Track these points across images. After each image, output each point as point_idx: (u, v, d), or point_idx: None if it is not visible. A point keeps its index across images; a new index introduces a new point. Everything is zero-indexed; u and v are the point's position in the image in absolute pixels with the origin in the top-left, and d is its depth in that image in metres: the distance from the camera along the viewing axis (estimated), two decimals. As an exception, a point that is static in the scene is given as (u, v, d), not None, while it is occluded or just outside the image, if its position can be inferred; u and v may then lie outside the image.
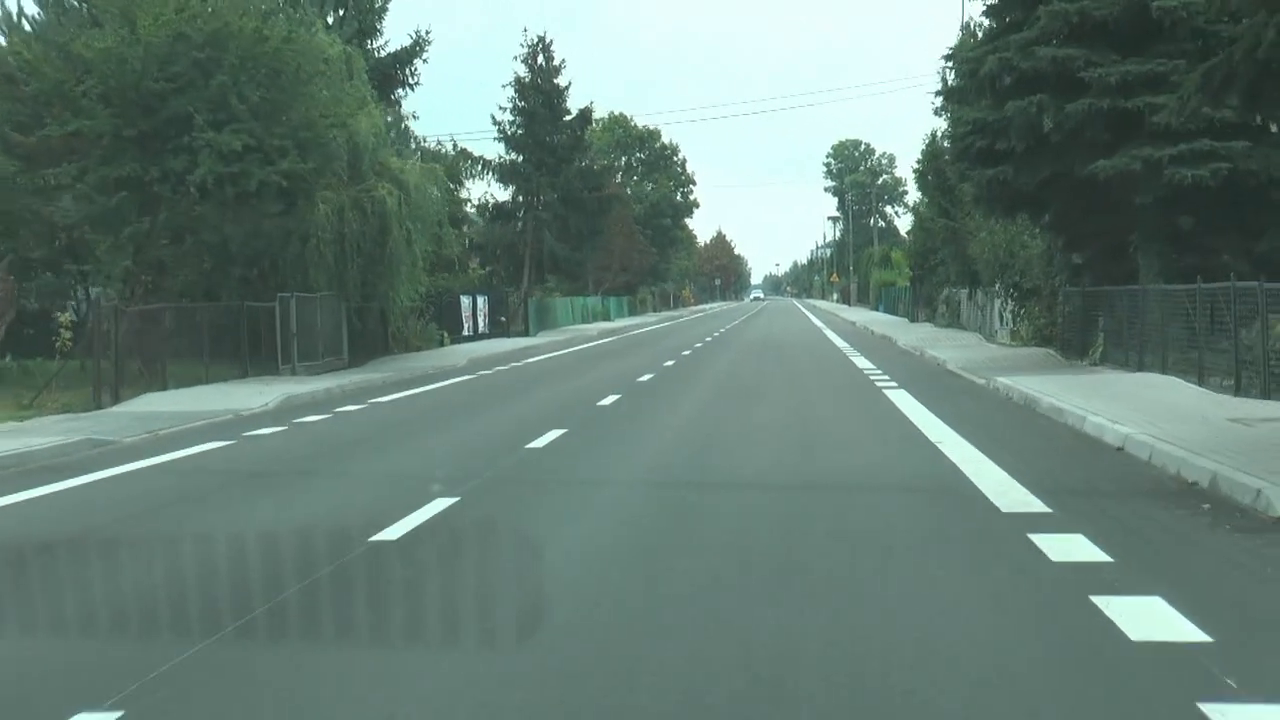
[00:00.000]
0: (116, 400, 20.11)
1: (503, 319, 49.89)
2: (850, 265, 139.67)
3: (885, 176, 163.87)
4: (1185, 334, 18.54)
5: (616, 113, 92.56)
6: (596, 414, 17.36)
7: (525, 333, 53.77)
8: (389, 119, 51.30)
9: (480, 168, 57.00)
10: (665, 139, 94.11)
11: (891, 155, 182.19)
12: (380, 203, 30.52)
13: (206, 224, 25.11)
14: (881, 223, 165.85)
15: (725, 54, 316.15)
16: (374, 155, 31.27)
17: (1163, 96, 18.55)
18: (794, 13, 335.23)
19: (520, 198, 58.07)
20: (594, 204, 57.70)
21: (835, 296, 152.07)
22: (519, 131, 57.46)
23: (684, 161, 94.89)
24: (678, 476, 11.66)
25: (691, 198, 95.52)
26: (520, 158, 57.68)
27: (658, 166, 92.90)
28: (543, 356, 35.70)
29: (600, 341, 46.67)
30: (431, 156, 56.88)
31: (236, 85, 23.78)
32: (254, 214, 25.14)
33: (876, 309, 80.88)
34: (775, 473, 11.59)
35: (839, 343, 38.95)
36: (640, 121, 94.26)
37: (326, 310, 30.50)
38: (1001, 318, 33.43)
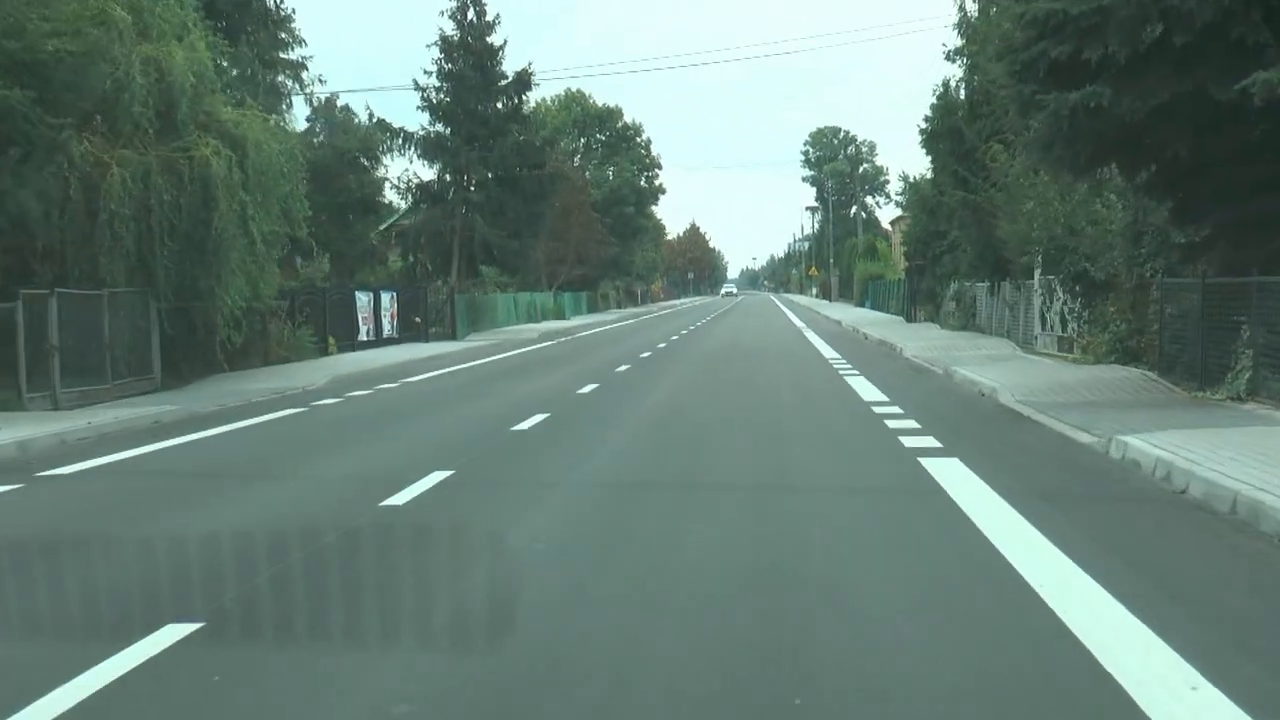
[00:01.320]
0: None
1: (417, 319, 41.31)
2: (830, 258, 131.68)
3: (866, 165, 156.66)
4: None
5: (574, 89, 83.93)
6: (387, 516, 8.88)
7: (452, 336, 45.29)
8: (280, 78, 42.99)
9: (401, 141, 48.34)
10: (628, 119, 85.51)
11: (872, 143, 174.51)
12: (203, 166, 21.99)
13: None
14: (863, 214, 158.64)
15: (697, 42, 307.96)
16: (196, 102, 22.69)
17: None
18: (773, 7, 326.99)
19: (447, 177, 49.44)
20: (533, 184, 49.11)
21: (814, 291, 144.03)
22: (445, 99, 48.81)
23: (648, 143, 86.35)
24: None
25: (657, 183, 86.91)
26: (447, 130, 49.04)
27: (619, 149, 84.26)
28: (439, 371, 27.19)
29: (532, 348, 38.18)
30: (341, 128, 48.32)
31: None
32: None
33: (862, 305, 72.57)
34: None
35: (825, 351, 30.61)
36: (601, 99, 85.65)
37: (124, 313, 21.88)
38: (1046, 319, 25.11)
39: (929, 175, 40.88)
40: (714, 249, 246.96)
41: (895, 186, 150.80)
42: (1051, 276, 23.06)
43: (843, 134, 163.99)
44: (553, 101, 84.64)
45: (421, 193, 49.56)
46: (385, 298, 38.88)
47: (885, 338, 33.22)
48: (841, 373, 22.59)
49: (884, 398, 16.99)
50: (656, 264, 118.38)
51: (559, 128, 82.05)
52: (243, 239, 23.13)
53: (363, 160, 47.07)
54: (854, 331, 41.23)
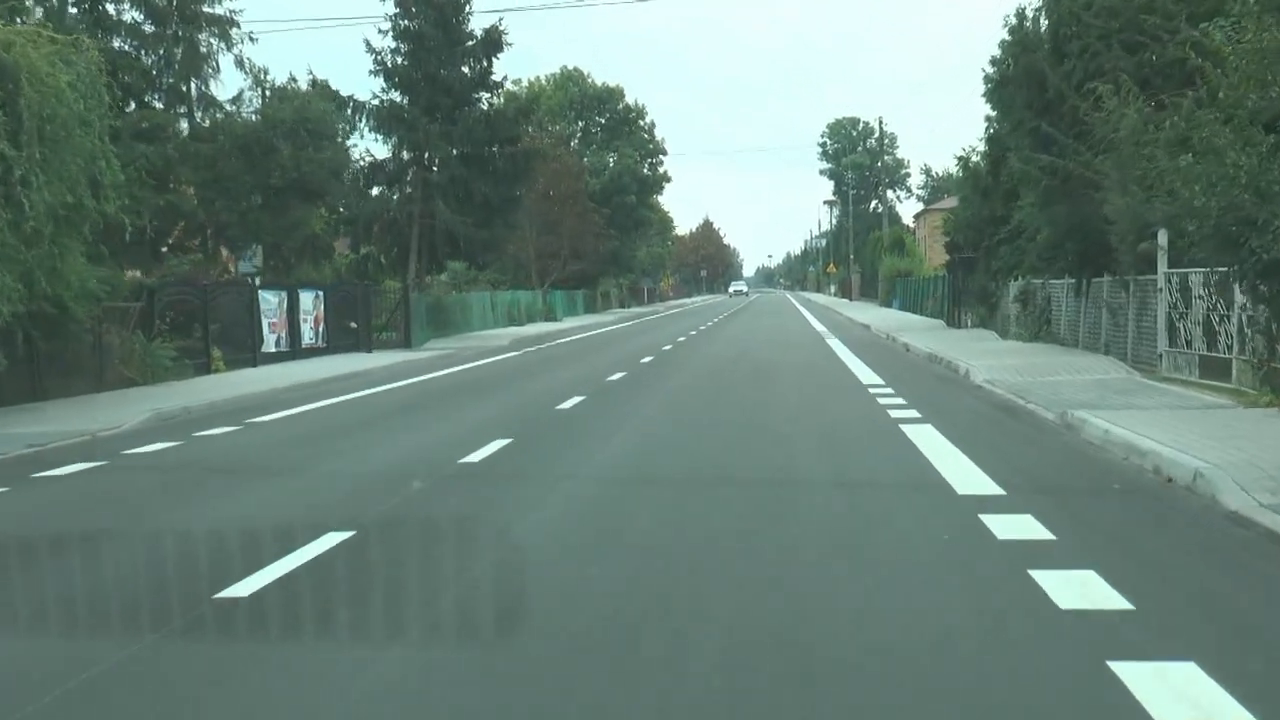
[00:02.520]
0: None
1: (352, 324, 33.79)
2: (850, 253, 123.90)
3: (887, 157, 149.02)
4: None
5: (570, 67, 76.22)
6: None
7: (405, 343, 37.83)
8: (203, 35, 35.57)
9: (350, 111, 40.76)
10: (630, 99, 77.73)
11: (893, 135, 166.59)
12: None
13: None
14: (883, 208, 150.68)
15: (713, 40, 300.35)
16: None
17: None
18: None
19: (405, 154, 41.86)
20: (506, 163, 41.49)
21: (833, 290, 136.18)
22: (402, 62, 41.21)
23: (652, 126, 78.49)
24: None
25: (661, 170, 79.07)
26: (404, 99, 41.47)
27: (619, 132, 76.53)
28: (333, 400, 19.62)
29: (490, 361, 30.66)
30: (278, 95, 40.68)
31: None
32: None
33: (888, 305, 64.80)
34: None
35: (859, 369, 22.99)
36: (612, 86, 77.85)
37: None
38: (1181, 330, 17.45)
39: (981, 147, 33.19)
40: (729, 246, 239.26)
41: (917, 180, 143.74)
42: (1220, 269, 15.29)
43: (862, 125, 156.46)
44: (548, 81, 77.08)
45: (374, 173, 41.95)
46: (306, 298, 31.36)
47: (936, 350, 25.53)
48: (894, 414, 15.08)
49: (994, 487, 9.33)
50: (664, 259, 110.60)
51: (552, 110, 74.46)
52: (4, 210, 15.70)
53: (303, 133, 39.58)
54: (888, 340, 33.51)
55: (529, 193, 46.26)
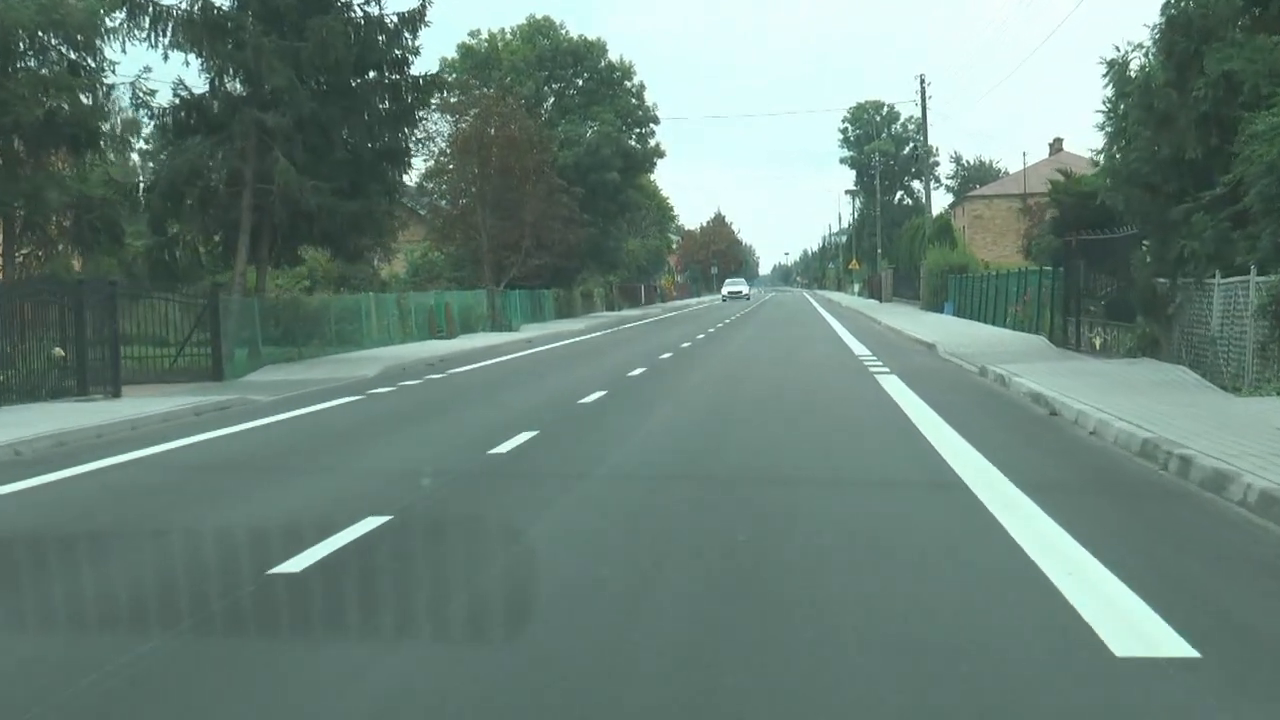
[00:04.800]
0: None
1: (58, 352, 19.68)
2: (878, 247, 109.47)
3: (913, 143, 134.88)
4: None
5: (539, 16, 61.82)
6: None
7: (216, 373, 24.10)
8: None
9: (149, 21, 26.68)
10: (614, 56, 63.12)
11: (919, 120, 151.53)
12: None
13: None
14: (908, 200, 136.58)
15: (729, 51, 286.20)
16: None
17: None
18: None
19: (227, 85, 27.79)
20: (387, 97, 27.37)
21: (856, 288, 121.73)
22: (227, -56, 27.12)
23: (640, 89, 63.84)
24: None
25: (653, 143, 64.52)
26: (229, 2, 27.44)
27: (601, 95, 62.12)
28: None
29: (285, 417, 16.60)
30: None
31: None
32: None
33: (938, 309, 50.42)
34: None
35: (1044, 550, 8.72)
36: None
37: None
38: None
39: (1151, 40, 19.09)
40: (744, 243, 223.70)
41: (946, 170, 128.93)
42: None
43: (886, 110, 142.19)
44: (512, 33, 62.80)
45: (186, 115, 27.84)
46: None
47: (1164, 436, 11.09)
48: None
49: None
50: (661, 253, 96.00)
51: (518, 67, 60.23)
52: None
53: (62, 49, 25.64)
54: (996, 383, 19.16)
55: (427, 146, 32.12)
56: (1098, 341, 23.99)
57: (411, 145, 28.95)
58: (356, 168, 27.56)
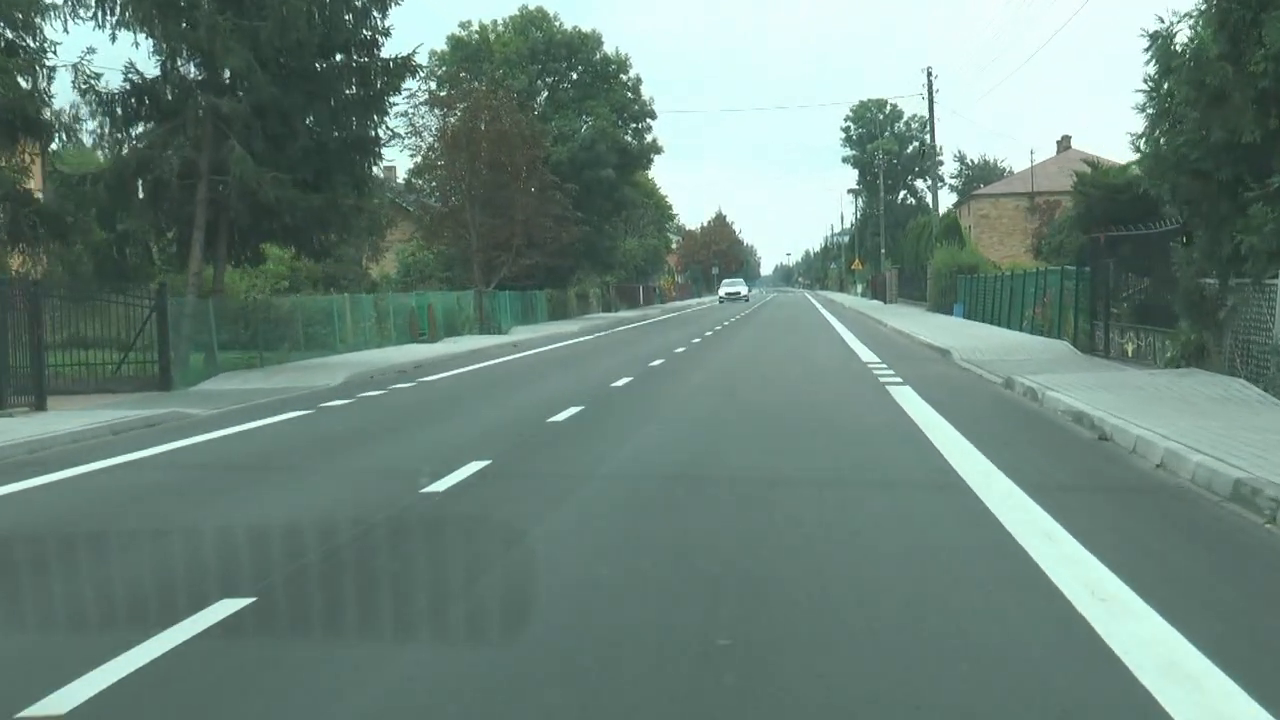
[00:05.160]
0: None
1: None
2: (883, 247, 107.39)
3: (916, 143, 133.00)
4: None
5: (532, 7, 59.54)
6: None
7: (164, 383, 22.06)
8: None
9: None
10: (609, 49, 60.82)
11: (923, 118, 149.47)
12: None
13: None
14: (911, 200, 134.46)
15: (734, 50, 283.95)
16: None
17: None
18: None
19: (180, 69, 25.59)
20: (354, 81, 25.20)
21: (859, 289, 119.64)
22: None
23: (636, 82, 61.56)
24: None
25: (649, 139, 62.16)
26: (182, -25, 25.24)
27: (596, 89, 59.83)
28: None
29: (217, 436, 14.36)
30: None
31: None
32: None
33: (946, 311, 48.23)
34: None
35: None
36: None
37: None
38: None
39: (1198, 20, 16.90)
40: (746, 243, 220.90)
41: (951, 169, 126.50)
42: None
43: (889, 108, 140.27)
44: (504, 25, 60.58)
45: (137, 101, 25.65)
46: None
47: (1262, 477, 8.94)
48: None
49: None
50: (660, 253, 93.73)
51: (510, 60, 58.05)
52: None
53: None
54: (1026, 397, 16.92)
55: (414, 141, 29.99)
56: (1130, 348, 21.83)
57: (382, 134, 26.66)
58: (321, 158, 25.38)
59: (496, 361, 29.43)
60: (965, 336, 29.70)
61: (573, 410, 15.62)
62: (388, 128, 27.03)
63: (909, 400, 16.14)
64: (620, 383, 20.33)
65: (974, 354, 23.91)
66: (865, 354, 26.72)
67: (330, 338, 31.72)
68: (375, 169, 26.82)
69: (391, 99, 25.97)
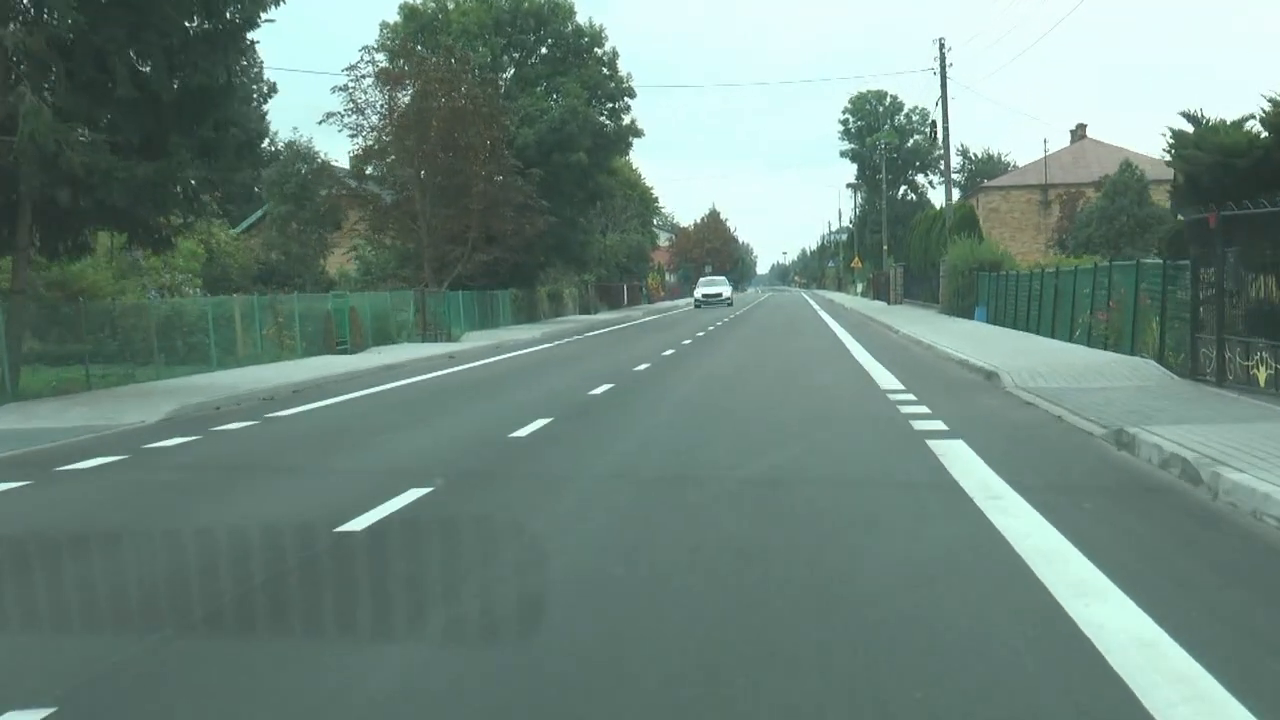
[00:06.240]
0: None
1: None
2: (884, 243, 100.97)
3: (917, 137, 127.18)
4: None
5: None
6: None
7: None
8: None
9: None
10: (583, 19, 54.13)
11: (924, 110, 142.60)
12: None
13: None
14: (912, 195, 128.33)
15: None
16: None
17: None
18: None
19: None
20: (188, 10, 18.68)
21: (859, 288, 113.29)
22: None
23: (613, 57, 54.77)
24: None
25: (627, 120, 55.40)
26: None
27: (567, 65, 53.16)
28: None
29: None
30: None
31: None
32: None
33: (964, 315, 41.73)
34: None
35: None
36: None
37: None
38: None
39: None
40: (741, 242, 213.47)
41: (954, 163, 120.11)
42: None
43: (889, 100, 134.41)
44: (466, -6, 53.86)
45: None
46: None
47: None
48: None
49: None
50: (645, 249, 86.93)
51: (470, 32, 51.47)
52: None
53: None
54: (1212, 492, 10.36)
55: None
56: (1262, 374, 15.33)
57: (237, 82, 20.06)
58: (154, 115, 18.82)
59: (409, 381, 22.97)
60: (1008, 351, 23.15)
61: (420, 492, 9.19)
62: (244, 72, 20.41)
63: (972, 473, 9.67)
64: (530, 430, 13.82)
65: (1033, 378, 17.44)
66: (882, 375, 20.20)
67: (208, 350, 25.27)
68: (232, 129, 20.16)
69: (250, 35, 19.30)
